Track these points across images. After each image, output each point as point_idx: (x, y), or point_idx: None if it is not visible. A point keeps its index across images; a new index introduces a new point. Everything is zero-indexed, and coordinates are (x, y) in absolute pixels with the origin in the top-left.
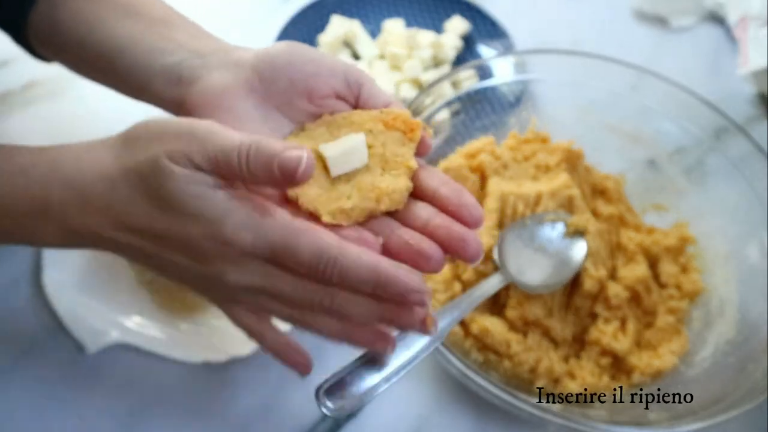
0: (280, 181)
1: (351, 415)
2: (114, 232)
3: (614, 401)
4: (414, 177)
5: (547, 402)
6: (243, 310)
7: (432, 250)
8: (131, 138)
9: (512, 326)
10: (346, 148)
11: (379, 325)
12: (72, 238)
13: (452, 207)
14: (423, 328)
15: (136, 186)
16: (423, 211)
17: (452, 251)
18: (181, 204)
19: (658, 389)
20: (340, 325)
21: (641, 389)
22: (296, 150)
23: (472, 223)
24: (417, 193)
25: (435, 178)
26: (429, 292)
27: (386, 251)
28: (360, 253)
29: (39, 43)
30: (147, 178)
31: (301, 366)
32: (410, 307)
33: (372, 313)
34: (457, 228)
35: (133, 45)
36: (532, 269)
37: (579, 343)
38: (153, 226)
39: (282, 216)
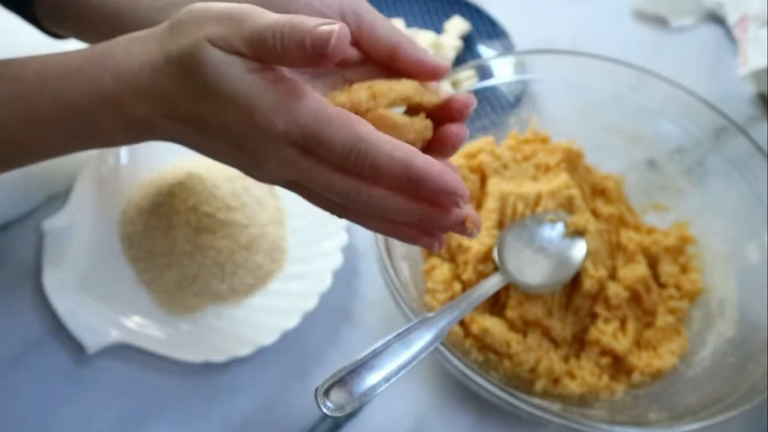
0: (313, 57)
1: (351, 415)
2: (163, 120)
3: (614, 401)
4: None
5: (547, 402)
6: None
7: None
8: (176, 23)
9: (512, 326)
10: None
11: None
12: (133, 129)
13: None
14: (462, 229)
15: (178, 73)
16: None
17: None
18: (216, 88)
19: (658, 389)
20: (383, 223)
21: (641, 389)
22: (328, 25)
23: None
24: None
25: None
26: (465, 195)
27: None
28: (393, 148)
29: (44, 15)
30: (187, 63)
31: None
32: (448, 207)
33: (410, 212)
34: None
35: (132, 4)
36: (532, 269)
37: (579, 343)
38: (195, 113)
39: (315, 101)
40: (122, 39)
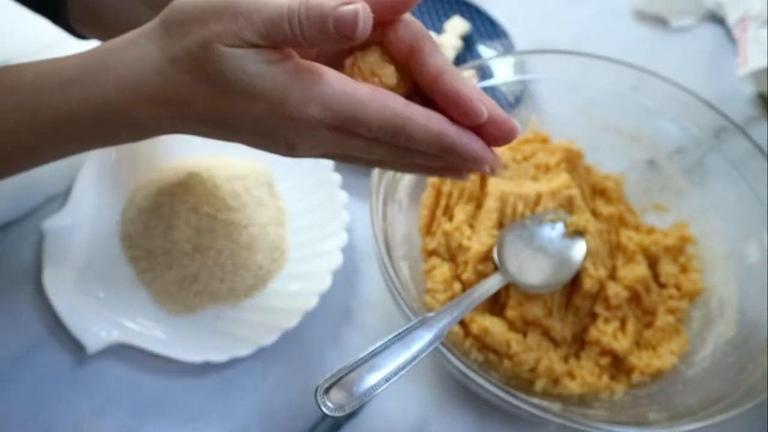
0: (338, 39)
1: (351, 415)
2: (180, 126)
3: (614, 401)
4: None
5: (547, 402)
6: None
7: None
8: (170, 23)
9: (512, 326)
10: None
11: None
12: (141, 131)
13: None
14: (492, 171)
15: (190, 72)
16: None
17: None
18: (241, 85)
19: (658, 389)
20: (420, 170)
21: (641, 389)
22: (349, 5)
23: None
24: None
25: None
26: (492, 159)
27: None
28: (427, 119)
29: (76, 20)
30: (201, 63)
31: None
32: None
33: (440, 167)
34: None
35: None
36: (531, 269)
37: (579, 343)
38: (216, 111)
39: (342, 83)
40: (115, 43)
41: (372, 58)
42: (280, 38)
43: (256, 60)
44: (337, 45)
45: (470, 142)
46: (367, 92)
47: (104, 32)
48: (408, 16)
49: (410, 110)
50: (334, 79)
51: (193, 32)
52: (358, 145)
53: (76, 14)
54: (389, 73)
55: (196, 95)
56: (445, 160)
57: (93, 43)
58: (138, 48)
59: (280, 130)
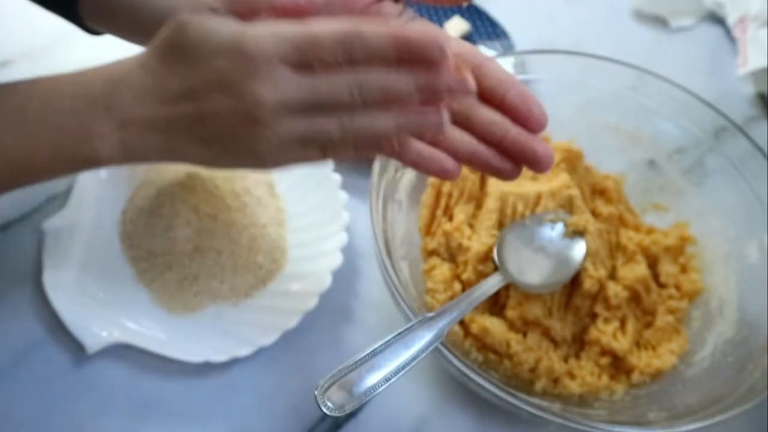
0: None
1: (351, 415)
2: (154, 108)
3: (614, 401)
4: (478, 75)
5: (547, 402)
6: (299, 150)
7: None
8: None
9: (512, 326)
10: None
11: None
12: (122, 137)
13: (521, 115)
14: (460, 84)
15: (166, 55)
16: (496, 117)
17: (525, 162)
18: (201, 44)
19: (658, 389)
20: (391, 116)
21: (641, 389)
22: None
23: (537, 130)
24: (485, 96)
25: (500, 81)
26: (444, 42)
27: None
28: (377, 25)
29: (90, 17)
30: (170, 42)
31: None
32: (437, 66)
33: (409, 83)
34: (526, 139)
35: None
36: (531, 269)
37: (579, 342)
38: (186, 82)
39: (292, 22)
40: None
41: None
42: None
43: (216, 19)
44: (297, 14)
45: (425, 34)
46: (315, 18)
47: (116, 26)
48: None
49: (357, 21)
50: (284, 20)
51: (172, 23)
52: (323, 83)
53: (88, 9)
54: None
55: (170, 74)
56: (409, 76)
57: (104, 39)
58: (135, 56)
59: (240, 80)
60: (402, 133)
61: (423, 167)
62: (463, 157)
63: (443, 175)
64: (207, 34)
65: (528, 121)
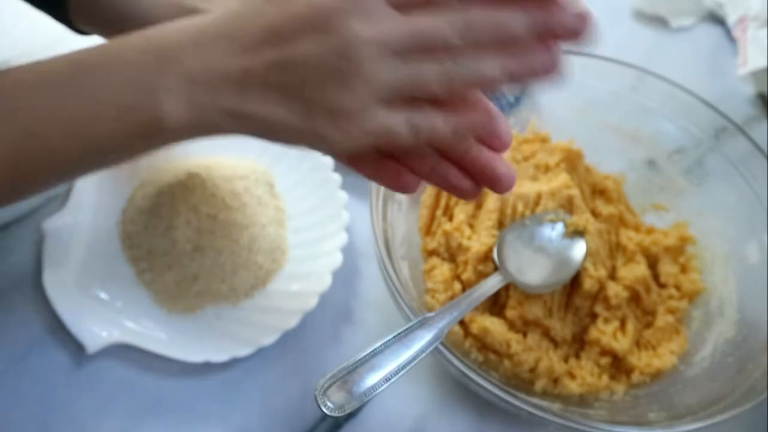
0: None
1: (351, 415)
2: (232, 59)
3: (614, 401)
4: None
5: (547, 402)
6: (386, 117)
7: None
8: None
9: (512, 326)
10: None
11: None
12: (193, 94)
13: (484, 134)
14: (578, 22)
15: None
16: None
17: (485, 182)
18: None
19: (658, 389)
20: (498, 60)
21: (641, 389)
22: None
23: (500, 149)
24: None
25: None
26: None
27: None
28: None
29: (79, 19)
30: None
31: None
32: (551, 3)
33: (523, 22)
34: (486, 158)
35: (175, 17)
36: (531, 269)
37: (579, 343)
38: (270, 23)
39: None
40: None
41: None
42: None
43: None
44: None
45: None
46: None
47: (106, 27)
48: None
49: None
50: None
51: None
52: (427, 23)
53: (77, 9)
54: None
55: (256, 13)
56: (523, 15)
57: (95, 40)
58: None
59: (334, 15)
60: (508, 77)
61: (381, 179)
62: (422, 172)
63: (401, 189)
64: None
65: (492, 139)
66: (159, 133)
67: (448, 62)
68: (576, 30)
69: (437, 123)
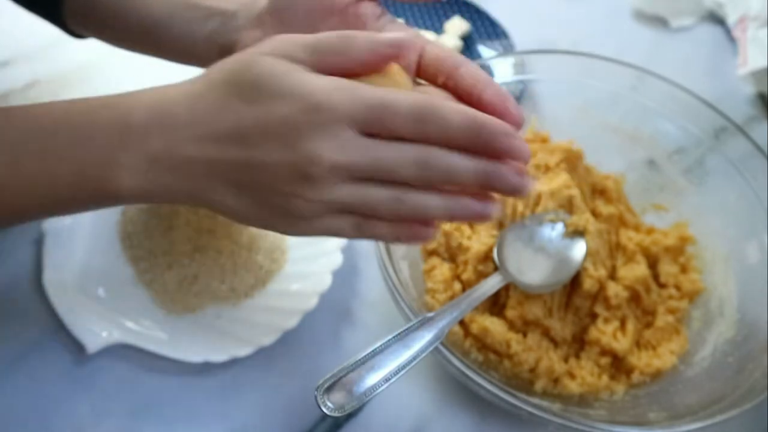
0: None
1: (351, 415)
2: (197, 147)
3: (614, 401)
4: (456, 76)
5: (547, 402)
6: (335, 220)
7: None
8: (223, 60)
9: (512, 326)
10: None
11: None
12: (151, 173)
13: (497, 113)
14: (520, 186)
15: (223, 88)
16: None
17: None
18: (272, 84)
19: (658, 389)
20: (443, 199)
21: (641, 389)
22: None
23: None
24: (462, 97)
25: (476, 81)
26: (522, 142)
27: None
28: (457, 103)
29: (75, 22)
30: (237, 74)
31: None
32: (504, 158)
33: (475, 170)
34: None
35: (170, 18)
36: (531, 269)
37: (579, 342)
38: (240, 123)
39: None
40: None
41: (390, 82)
42: (327, 52)
43: (292, 65)
44: (382, 60)
45: (500, 123)
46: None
47: (101, 31)
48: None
49: (438, 95)
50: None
51: (241, 55)
52: (387, 151)
53: (72, 13)
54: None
55: (224, 110)
56: (476, 162)
57: (91, 42)
58: (184, 82)
59: (302, 129)
60: (447, 217)
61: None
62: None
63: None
64: (275, 74)
65: (504, 118)
66: (113, 200)
67: (400, 192)
68: (516, 189)
69: (382, 231)
